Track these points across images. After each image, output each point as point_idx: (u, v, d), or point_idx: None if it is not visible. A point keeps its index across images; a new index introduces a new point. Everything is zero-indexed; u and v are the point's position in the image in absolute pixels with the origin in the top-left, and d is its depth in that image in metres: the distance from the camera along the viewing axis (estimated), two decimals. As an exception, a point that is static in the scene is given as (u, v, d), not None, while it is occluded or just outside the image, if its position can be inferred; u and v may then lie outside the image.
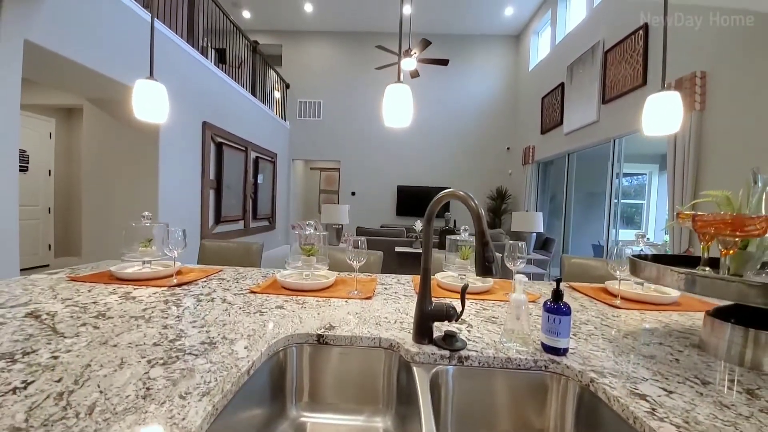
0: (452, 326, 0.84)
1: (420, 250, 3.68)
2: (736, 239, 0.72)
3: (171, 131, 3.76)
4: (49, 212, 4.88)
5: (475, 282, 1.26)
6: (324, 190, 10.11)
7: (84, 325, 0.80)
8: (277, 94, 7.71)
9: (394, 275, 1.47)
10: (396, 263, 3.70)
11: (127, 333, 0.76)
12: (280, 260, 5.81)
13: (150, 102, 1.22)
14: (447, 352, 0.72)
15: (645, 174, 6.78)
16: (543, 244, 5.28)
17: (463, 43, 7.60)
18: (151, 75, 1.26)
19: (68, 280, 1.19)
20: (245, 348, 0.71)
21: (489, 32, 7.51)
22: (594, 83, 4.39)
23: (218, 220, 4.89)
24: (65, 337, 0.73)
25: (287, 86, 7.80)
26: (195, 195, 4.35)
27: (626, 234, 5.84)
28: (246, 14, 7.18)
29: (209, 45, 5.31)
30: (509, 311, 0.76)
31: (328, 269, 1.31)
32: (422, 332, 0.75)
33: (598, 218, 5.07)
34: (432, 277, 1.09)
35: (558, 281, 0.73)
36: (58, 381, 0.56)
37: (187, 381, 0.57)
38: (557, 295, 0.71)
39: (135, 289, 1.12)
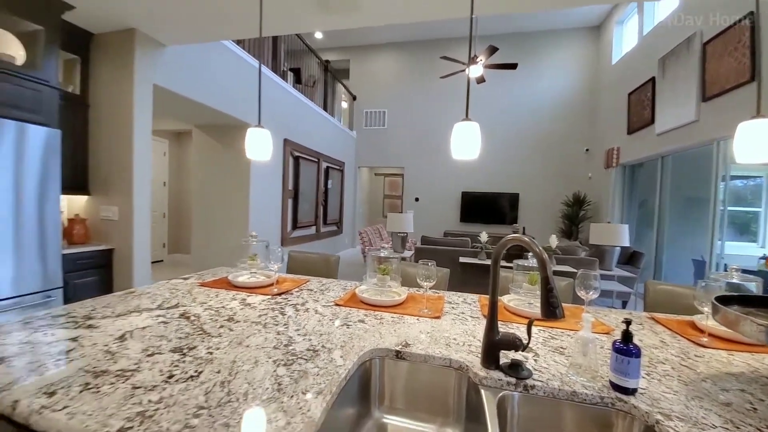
0: (518, 354, 0.92)
1: (485, 262, 3.66)
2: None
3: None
4: (164, 217, 5.92)
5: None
6: (388, 195, 10.43)
7: (222, 327, 1.06)
8: (344, 105, 8.23)
9: (460, 294, 1.56)
10: (459, 273, 3.73)
11: (253, 336, 1.00)
12: (348, 264, 6.20)
13: (258, 145, 1.50)
14: (513, 380, 0.80)
15: (761, 177, 5.68)
16: (630, 257, 4.78)
17: (534, 40, 7.24)
18: (260, 123, 1.54)
19: (199, 286, 1.53)
20: (341, 357, 0.88)
21: (563, 26, 7.04)
22: (691, 78, 3.88)
23: (295, 225, 5.43)
24: (212, 337, 0.98)
25: (354, 98, 8.27)
26: (277, 203, 4.91)
27: (737, 247, 4.99)
28: (318, 35, 7.80)
29: (287, 67, 5.93)
30: (577, 346, 0.81)
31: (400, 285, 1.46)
32: (489, 359, 0.85)
33: (700, 228, 4.43)
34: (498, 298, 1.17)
35: (628, 323, 0.76)
36: (218, 372, 0.79)
37: (305, 381, 0.76)
38: (627, 336, 0.75)
39: (248, 296, 1.40)
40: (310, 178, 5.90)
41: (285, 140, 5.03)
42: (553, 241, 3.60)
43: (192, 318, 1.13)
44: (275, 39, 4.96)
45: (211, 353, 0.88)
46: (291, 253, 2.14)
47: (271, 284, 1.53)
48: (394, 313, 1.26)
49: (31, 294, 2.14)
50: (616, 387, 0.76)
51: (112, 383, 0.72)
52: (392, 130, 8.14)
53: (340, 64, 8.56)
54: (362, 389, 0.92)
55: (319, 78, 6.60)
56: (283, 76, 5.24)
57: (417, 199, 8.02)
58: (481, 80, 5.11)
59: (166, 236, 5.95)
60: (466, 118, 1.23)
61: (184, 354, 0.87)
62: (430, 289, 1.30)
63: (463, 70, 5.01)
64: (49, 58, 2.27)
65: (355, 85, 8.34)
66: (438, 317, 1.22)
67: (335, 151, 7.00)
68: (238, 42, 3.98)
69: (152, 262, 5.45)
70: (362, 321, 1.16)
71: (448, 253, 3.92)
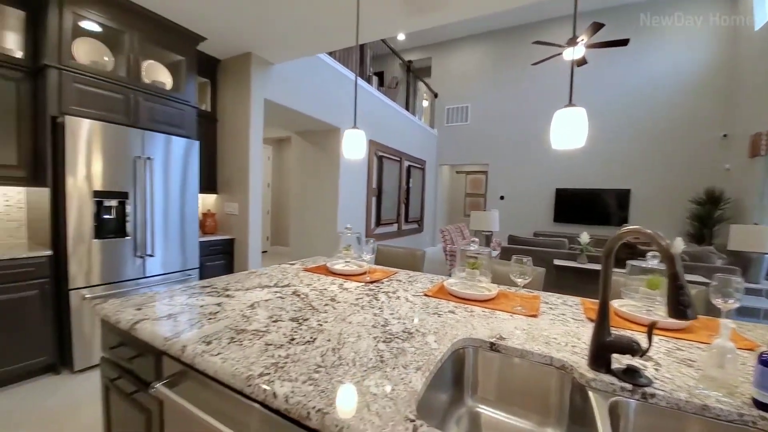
0: (634, 360, 0.83)
1: (585, 266, 3.30)
2: None
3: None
4: (268, 213, 6.77)
5: (667, 317, 1.13)
6: (470, 194, 10.11)
7: (326, 305, 1.20)
8: (426, 104, 8.25)
9: (558, 295, 1.46)
10: (554, 277, 3.43)
11: (353, 315, 1.10)
12: (429, 261, 6.23)
13: (354, 145, 1.64)
14: (629, 386, 0.73)
15: None
16: (786, 269, 3.77)
17: (648, 10, 6.18)
18: (355, 125, 1.68)
19: (303, 270, 1.73)
20: (435, 341, 0.92)
21: (692, -12, 5.86)
22: None
23: (378, 222, 5.68)
24: (320, 312, 1.12)
25: (435, 96, 8.23)
26: (362, 201, 5.20)
27: None
28: (401, 37, 7.98)
29: (372, 72, 6.22)
30: (711, 357, 0.70)
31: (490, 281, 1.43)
32: (599, 361, 0.79)
33: None
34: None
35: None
36: (329, 341, 0.90)
37: (403, 357, 0.82)
38: (784, 348, 0.62)
39: (344, 281, 1.54)
40: (392, 176, 6.09)
41: (370, 141, 5.29)
42: (679, 245, 3.05)
43: (302, 296, 1.30)
44: (362, 46, 5.25)
45: (320, 325, 1.00)
46: (379, 247, 2.26)
47: (364, 273, 1.65)
48: (485, 307, 1.24)
49: (174, 272, 2.70)
50: (760, 405, 0.64)
51: (250, 339, 0.88)
52: (475, 126, 7.87)
53: (422, 63, 8.61)
54: (455, 376, 0.94)
55: (401, 79, 6.76)
56: (368, 81, 5.53)
57: (502, 197, 7.60)
58: (582, 62, 4.60)
59: (269, 230, 6.80)
60: (570, 103, 1.14)
61: (299, 323, 1.01)
62: (523, 287, 1.25)
63: (560, 54, 4.57)
64: (189, 82, 2.83)
65: (437, 83, 8.30)
66: (534, 315, 1.17)
67: (417, 150, 7.09)
68: (331, 54, 4.34)
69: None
70: (452, 312, 1.18)
71: (539, 254, 3.64)
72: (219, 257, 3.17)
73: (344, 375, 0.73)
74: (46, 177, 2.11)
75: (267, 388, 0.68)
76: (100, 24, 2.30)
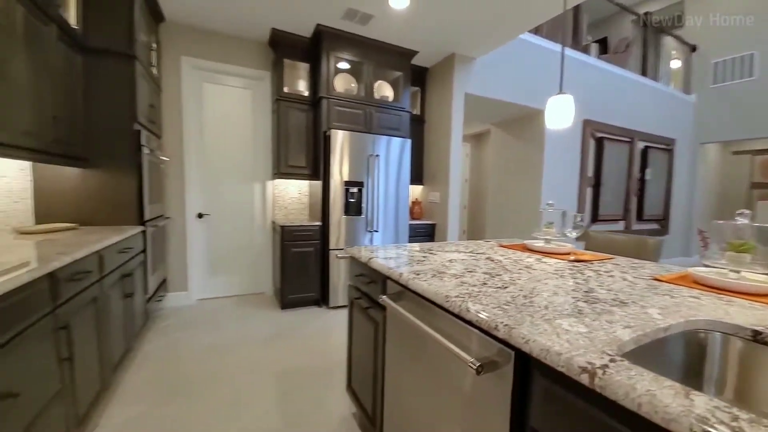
0: None
1: None
2: None
3: (554, 135, 4.22)
4: (465, 208, 7.07)
5: None
6: (758, 183, 6.84)
7: (520, 270, 1.21)
8: (675, 64, 6.23)
9: None
10: None
11: (550, 280, 1.06)
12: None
13: (559, 112, 1.54)
14: None
15: None
16: None
17: None
18: (561, 90, 1.57)
19: (498, 246, 1.77)
20: (658, 314, 0.77)
21: None
22: None
23: (594, 218, 4.82)
24: (512, 272, 1.15)
25: (693, 49, 6.09)
26: (572, 193, 4.58)
27: None
28: (635, -14, 6.40)
29: (590, 40, 5.32)
30: None
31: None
32: None
33: None
34: None
35: None
36: (521, 290, 0.92)
37: (609, 316, 0.74)
38: None
39: (543, 258, 1.48)
40: (617, 162, 5.01)
41: (585, 121, 4.58)
42: None
43: (495, 260, 1.36)
44: (576, 14, 4.62)
45: (512, 280, 1.04)
46: (590, 232, 1.97)
47: (568, 253, 1.51)
48: (755, 300, 0.89)
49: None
50: None
51: (448, 278, 1.04)
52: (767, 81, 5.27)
53: (666, 12, 6.57)
54: (688, 365, 0.75)
55: (634, 38, 5.43)
56: (585, 51, 4.78)
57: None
58: None
59: (466, 224, 7.09)
60: None
61: (492, 276, 1.08)
62: None
63: None
64: (404, 92, 3.40)
65: (692, 33, 6.11)
66: None
67: (659, 126, 5.50)
68: (536, 30, 4.07)
69: (457, 246, 6.80)
70: (696, 297, 0.92)
71: None
72: (423, 239, 3.65)
73: (534, 313, 0.75)
74: (319, 173, 3.12)
75: (461, 304, 0.80)
76: (349, 61, 3.17)
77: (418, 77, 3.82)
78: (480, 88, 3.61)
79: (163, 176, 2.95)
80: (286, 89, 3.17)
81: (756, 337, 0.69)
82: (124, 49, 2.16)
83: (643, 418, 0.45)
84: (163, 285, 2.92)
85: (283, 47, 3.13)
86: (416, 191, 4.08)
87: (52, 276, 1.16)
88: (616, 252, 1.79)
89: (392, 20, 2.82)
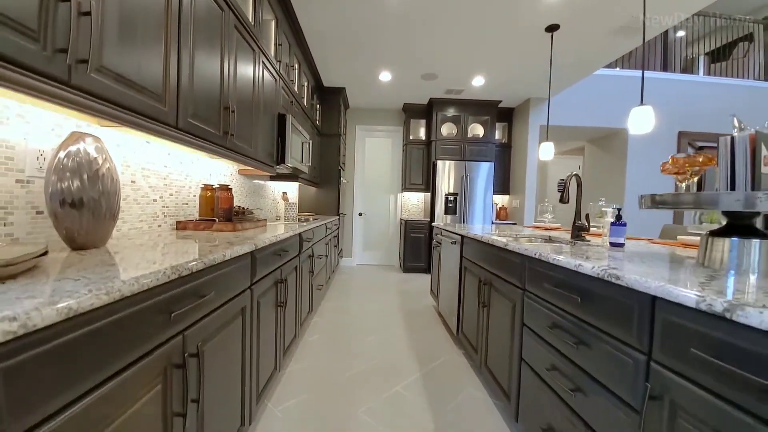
0: None
1: None
2: None
3: (638, 144, 5.03)
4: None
5: None
6: None
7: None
8: None
9: None
10: None
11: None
12: None
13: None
14: None
15: None
16: None
17: None
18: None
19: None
20: (516, 231, 2.39)
21: None
22: None
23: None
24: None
25: None
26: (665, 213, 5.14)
27: None
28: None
29: (695, 54, 5.64)
30: None
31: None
32: None
33: None
34: None
35: None
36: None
37: (495, 230, 2.43)
38: None
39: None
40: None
41: (680, 133, 5.11)
42: None
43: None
44: (665, 38, 5.25)
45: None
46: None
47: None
48: None
49: (481, 240, 4.95)
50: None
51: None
52: None
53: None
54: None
55: (756, 38, 5.44)
56: (689, 66, 5.28)
57: None
58: None
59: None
60: None
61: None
62: None
63: None
64: (492, 129, 5.06)
65: None
66: None
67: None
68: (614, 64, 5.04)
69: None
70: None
71: None
72: (504, 234, 5.14)
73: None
74: (430, 187, 5.10)
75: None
76: (451, 115, 5.09)
77: (507, 115, 5.38)
78: (554, 118, 4.92)
79: (345, 190, 5.49)
80: (411, 137, 5.33)
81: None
82: (336, 132, 4.69)
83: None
84: (341, 252, 5.41)
85: (410, 111, 5.31)
86: (504, 199, 5.56)
87: (300, 236, 3.48)
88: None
89: (475, 89, 4.60)
